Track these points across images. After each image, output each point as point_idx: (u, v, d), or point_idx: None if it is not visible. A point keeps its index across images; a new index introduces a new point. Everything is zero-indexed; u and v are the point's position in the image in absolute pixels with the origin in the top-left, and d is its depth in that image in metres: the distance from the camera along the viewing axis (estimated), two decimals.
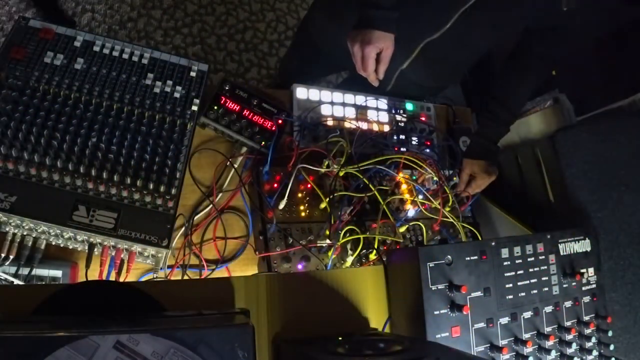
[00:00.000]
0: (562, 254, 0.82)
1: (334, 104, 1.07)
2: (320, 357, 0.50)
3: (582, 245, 0.85)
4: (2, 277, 0.70)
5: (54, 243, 0.77)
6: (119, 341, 0.38)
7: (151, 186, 0.78)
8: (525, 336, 0.73)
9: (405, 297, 0.65)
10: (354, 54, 0.88)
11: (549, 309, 0.77)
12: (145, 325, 0.45)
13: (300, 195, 0.93)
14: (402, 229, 0.96)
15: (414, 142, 1.12)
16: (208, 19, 2.01)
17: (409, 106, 1.17)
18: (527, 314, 0.74)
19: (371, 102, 1.12)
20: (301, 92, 1.05)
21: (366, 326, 0.66)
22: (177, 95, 0.91)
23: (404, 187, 1.01)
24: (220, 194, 0.95)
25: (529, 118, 1.14)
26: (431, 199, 0.97)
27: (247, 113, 0.97)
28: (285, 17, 2.09)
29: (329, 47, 1.14)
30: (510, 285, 0.73)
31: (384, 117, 1.12)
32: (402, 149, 1.08)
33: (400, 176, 0.99)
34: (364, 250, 0.91)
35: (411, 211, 0.97)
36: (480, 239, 1.04)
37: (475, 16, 0.89)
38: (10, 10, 1.80)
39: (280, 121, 0.98)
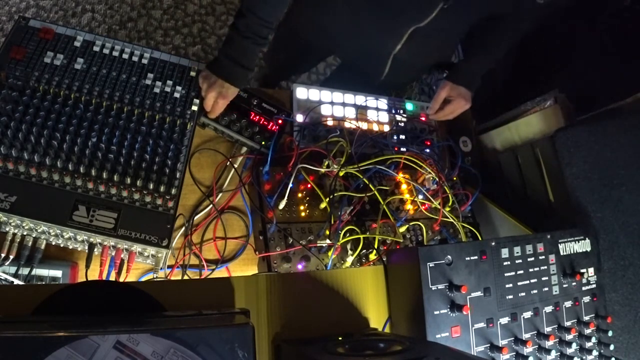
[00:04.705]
0: (562, 254, 0.82)
1: (334, 104, 1.07)
2: (320, 357, 0.50)
3: (582, 245, 0.85)
4: (2, 277, 0.70)
5: (54, 243, 0.77)
6: (119, 341, 0.38)
7: (151, 186, 0.78)
8: (525, 336, 0.73)
9: (405, 297, 0.65)
10: (201, 90, 0.93)
11: (549, 309, 0.77)
12: (145, 325, 0.45)
13: (300, 195, 0.93)
14: (402, 229, 0.96)
15: (413, 142, 1.12)
16: (208, 19, 2.01)
17: (409, 106, 1.17)
18: (527, 314, 0.74)
19: (371, 102, 1.12)
20: (301, 92, 1.05)
21: (366, 326, 0.66)
22: (177, 95, 0.91)
23: (404, 187, 1.01)
24: (220, 194, 0.95)
25: (529, 118, 1.13)
26: (431, 199, 0.97)
27: (247, 113, 0.97)
28: None
29: (316, 36, 1.16)
30: (510, 285, 0.73)
31: (384, 117, 1.12)
32: (402, 149, 1.08)
33: (400, 176, 0.99)
34: (364, 250, 0.91)
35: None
36: (480, 239, 1.04)
37: (457, 9, 0.93)
38: (10, 10, 1.80)
39: (280, 121, 0.98)
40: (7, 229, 0.72)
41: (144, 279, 0.87)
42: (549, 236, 0.80)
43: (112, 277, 0.76)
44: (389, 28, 1.02)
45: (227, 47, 0.91)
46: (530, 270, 0.76)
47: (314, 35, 1.15)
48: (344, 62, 1.40)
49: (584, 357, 0.79)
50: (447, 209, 1.00)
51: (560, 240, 0.82)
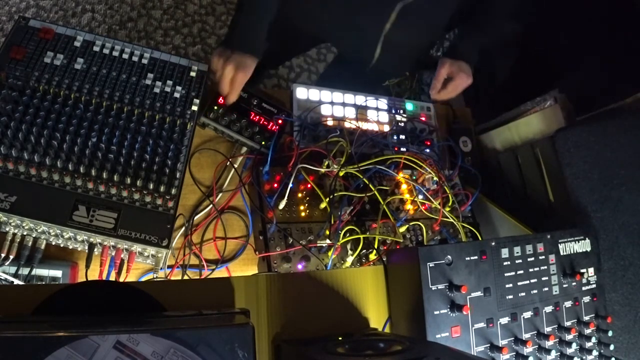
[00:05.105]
0: (562, 254, 0.82)
1: (334, 104, 1.07)
2: (320, 357, 0.50)
3: (582, 245, 0.85)
4: (2, 277, 0.70)
5: (54, 243, 0.77)
6: (119, 341, 0.38)
7: (151, 186, 0.78)
8: (525, 336, 0.73)
9: (405, 297, 0.65)
10: (216, 71, 0.91)
11: (549, 309, 0.77)
12: (145, 325, 0.45)
13: (300, 195, 0.93)
14: (402, 229, 0.96)
15: (414, 142, 1.12)
16: (208, 19, 2.01)
17: (409, 106, 1.17)
18: (527, 314, 0.74)
19: (371, 102, 1.12)
20: (301, 92, 1.05)
21: (366, 326, 0.66)
22: (177, 95, 0.91)
23: (404, 187, 1.01)
24: (220, 194, 0.95)
25: (529, 118, 1.13)
26: (431, 199, 0.97)
27: (247, 113, 0.97)
28: None
29: (306, 22, 1.16)
30: (510, 285, 0.73)
31: (384, 117, 1.12)
32: (402, 149, 1.08)
33: (400, 176, 0.99)
34: (364, 250, 0.91)
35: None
36: (480, 239, 1.04)
37: None
38: (10, 10, 1.80)
39: (280, 121, 0.98)
40: (7, 229, 0.72)
41: (144, 279, 0.87)
42: (549, 236, 0.80)
43: (112, 277, 0.76)
44: (376, 6, 1.01)
45: (236, 25, 0.90)
46: (530, 270, 0.76)
47: (304, 20, 1.14)
48: (336, 49, 1.39)
49: (584, 357, 0.79)
50: (447, 209, 1.00)
51: (560, 240, 0.82)
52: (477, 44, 1.12)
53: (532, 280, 0.76)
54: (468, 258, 0.68)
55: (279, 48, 1.36)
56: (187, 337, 0.40)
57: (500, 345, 0.68)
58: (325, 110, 1.06)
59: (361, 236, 0.89)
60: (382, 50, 1.12)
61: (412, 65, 1.70)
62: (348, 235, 0.89)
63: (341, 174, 0.94)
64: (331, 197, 0.92)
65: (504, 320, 0.70)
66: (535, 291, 0.76)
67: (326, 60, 2.10)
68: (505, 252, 0.73)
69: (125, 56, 0.90)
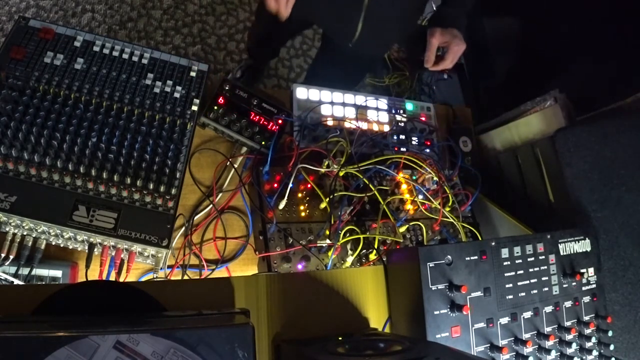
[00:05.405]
0: (562, 254, 0.82)
1: (334, 104, 1.07)
2: (320, 357, 0.50)
3: (582, 245, 0.85)
4: (2, 277, 0.70)
5: (54, 243, 0.77)
6: (119, 341, 0.39)
7: (151, 186, 0.78)
8: (525, 336, 0.73)
9: (405, 297, 0.65)
10: None
11: (549, 309, 0.77)
12: (145, 325, 0.45)
13: (300, 195, 0.93)
14: (402, 229, 0.96)
15: (414, 142, 1.12)
16: (208, 19, 2.01)
17: (409, 106, 1.17)
18: (527, 314, 0.74)
19: (371, 102, 1.12)
20: (301, 92, 1.05)
21: (366, 326, 0.66)
22: (177, 95, 0.91)
23: (404, 187, 1.01)
24: (220, 194, 0.95)
25: (529, 118, 1.13)
26: (431, 199, 0.97)
27: (247, 113, 0.97)
28: None
29: (294, 7, 1.15)
30: (510, 285, 0.73)
31: (384, 117, 1.13)
32: (402, 149, 1.08)
33: (400, 176, 0.99)
34: (364, 250, 0.91)
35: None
36: (480, 239, 1.04)
37: None
38: (10, 10, 1.80)
39: (280, 121, 0.98)
40: (7, 229, 0.72)
41: (144, 279, 0.87)
42: (549, 236, 0.80)
43: (112, 277, 0.76)
44: None
45: None
46: (530, 270, 0.76)
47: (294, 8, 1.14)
48: (320, 28, 1.37)
49: (584, 357, 0.79)
50: (447, 209, 1.00)
51: (560, 240, 0.82)
52: (463, 9, 1.10)
53: (532, 280, 0.76)
54: (468, 258, 0.68)
55: (272, 35, 1.34)
56: (187, 337, 0.40)
57: (500, 345, 0.68)
58: (325, 110, 1.06)
59: (361, 236, 0.89)
60: (364, 25, 1.10)
61: (394, 44, 1.68)
62: (348, 235, 0.89)
63: (341, 174, 0.94)
64: (331, 197, 0.92)
65: (504, 320, 0.70)
66: (535, 291, 0.76)
67: None
68: (505, 252, 0.73)
69: (125, 56, 0.90)
